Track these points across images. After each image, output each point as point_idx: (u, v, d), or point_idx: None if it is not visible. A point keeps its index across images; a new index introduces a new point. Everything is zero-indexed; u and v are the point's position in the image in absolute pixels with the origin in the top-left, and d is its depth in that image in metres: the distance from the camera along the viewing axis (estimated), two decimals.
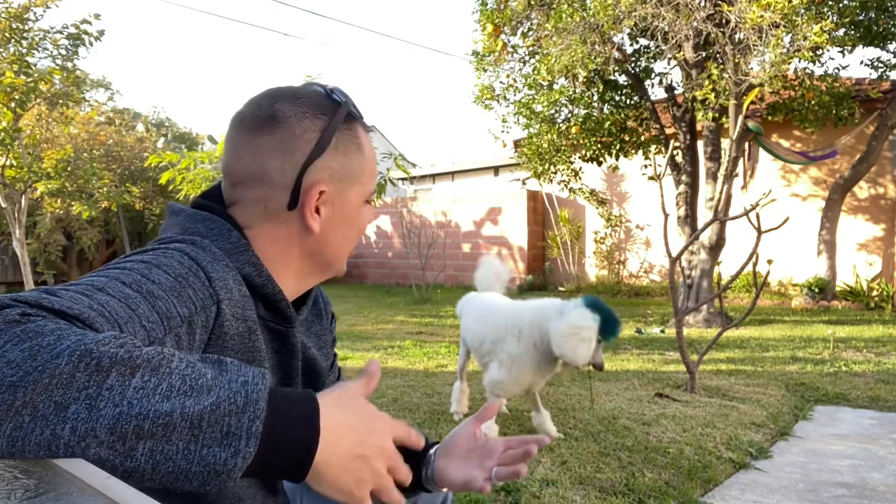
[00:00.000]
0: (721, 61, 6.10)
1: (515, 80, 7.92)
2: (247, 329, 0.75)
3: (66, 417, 0.46)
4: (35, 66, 7.16)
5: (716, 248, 6.82)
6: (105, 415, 0.46)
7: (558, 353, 2.42)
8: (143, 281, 0.63)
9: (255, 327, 0.76)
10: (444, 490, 0.94)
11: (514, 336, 2.62)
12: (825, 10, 6.08)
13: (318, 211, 0.81)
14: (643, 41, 7.42)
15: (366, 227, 0.90)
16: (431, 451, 0.94)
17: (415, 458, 0.90)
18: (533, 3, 6.93)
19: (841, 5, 6.40)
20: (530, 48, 7.56)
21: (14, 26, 6.95)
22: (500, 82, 8.04)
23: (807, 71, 6.46)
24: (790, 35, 5.50)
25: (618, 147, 7.96)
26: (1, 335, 0.48)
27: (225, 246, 0.76)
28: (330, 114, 0.80)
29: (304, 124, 0.79)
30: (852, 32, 6.73)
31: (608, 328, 2.41)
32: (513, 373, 2.62)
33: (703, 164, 7.01)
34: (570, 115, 8.04)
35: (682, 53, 6.35)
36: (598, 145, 7.95)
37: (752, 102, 6.21)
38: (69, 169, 8.62)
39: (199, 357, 0.54)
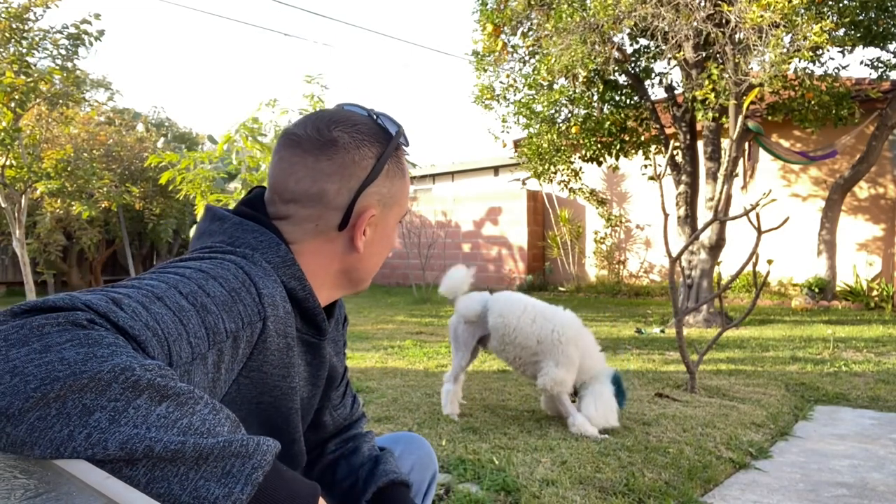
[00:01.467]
0: (721, 61, 6.10)
1: (515, 80, 7.93)
2: (286, 345, 0.77)
3: (87, 423, 0.47)
4: (35, 66, 7.16)
5: (716, 248, 6.82)
6: (122, 431, 0.48)
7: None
8: (199, 293, 0.65)
9: (293, 343, 0.79)
10: None
11: (565, 336, 2.88)
12: (825, 10, 6.08)
13: (364, 232, 0.86)
14: (643, 41, 7.42)
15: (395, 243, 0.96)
16: None
17: None
18: (533, 3, 6.93)
19: (841, 5, 6.40)
20: (530, 48, 7.56)
21: (14, 26, 6.94)
22: (500, 82, 8.05)
23: (807, 71, 6.46)
24: (790, 35, 5.50)
25: (618, 147, 7.96)
26: (65, 333, 0.51)
27: (273, 259, 0.79)
28: (384, 142, 0.86)
29: (362, 151, 0.84)
30: (852, 32, 6.74)
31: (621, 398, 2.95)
32: (571, 371, 2.88)
33: (703, 164, 7.02)
34: (570, 115, 8.05)
35: (682, 53, 6.35)
36: (598, 145, 7.95)
37: (752, 102, 6.21)
38: (69, 169, 8.63)
39: (223, 408, 0.56)
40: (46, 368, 0.48)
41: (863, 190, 8.74)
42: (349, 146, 0.83)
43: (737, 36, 5.86)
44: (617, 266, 10.84)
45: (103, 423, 0.47)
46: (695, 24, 5.91)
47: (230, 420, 0.55)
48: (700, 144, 7.10)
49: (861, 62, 9.78)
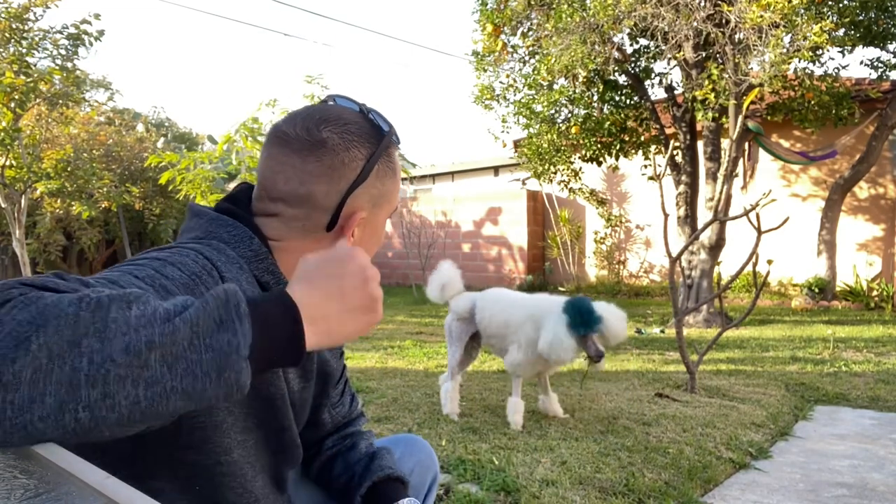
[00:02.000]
0: (721, 61, 6.10)
1: (515, 80, 7.93)
2: None
3: (80, 352, 0.49)
4: (35, 66, 7.16)
5: (716, 248, 6.82)
6: (116, 342, 0.50)
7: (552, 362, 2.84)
8: (157, 276, 0.66)
9: None
10: None
11: (533, 323, 2.88)
12: (825, 10, 6.08)
13: (352, 233, 0.86)
14: (643, 41, 7.42)
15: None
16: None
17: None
18: (533, 3, 6.93)
19: (841, 5, 6.40)
20: (530, 48, 7.56)
21: (14, 26, 6.94)
22: (500, 82, 8.05)
23: (807, 71, 6.46)
24: (790, 35, 5.50)
25: (618, 147, 7.96)
26: (4, 305, 0.50)
27: (246, 253, 0.79)
28: (375, 142, 0.85)
29: (351, 153, 0.82)
30: (852, 32, 6.74)
31: (583, 323, 2.66)
32: (528, 355, 2.89)
33: (703, 164, 7.02)
34: (570, 115, 8.04)
35: (682, 53, 6.35)
36: (598, 145, 7.95)
37: (752, 102, 6.21)
38: (69, 169, 8.62)
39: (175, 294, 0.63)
40: (11, 335, 0.48)
41: (863, 190, 8.74)
42: (338, 147, 0.82)
43: (737, 36, 5.86)
44: (617, 266, 10.84)
45: (95, 344, 0.49)
46: (695, 24, 5.91)
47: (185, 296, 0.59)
48: (700, 144, 7.10)
49: (861, 62, 9.78)
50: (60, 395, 0.47)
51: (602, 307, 2.71)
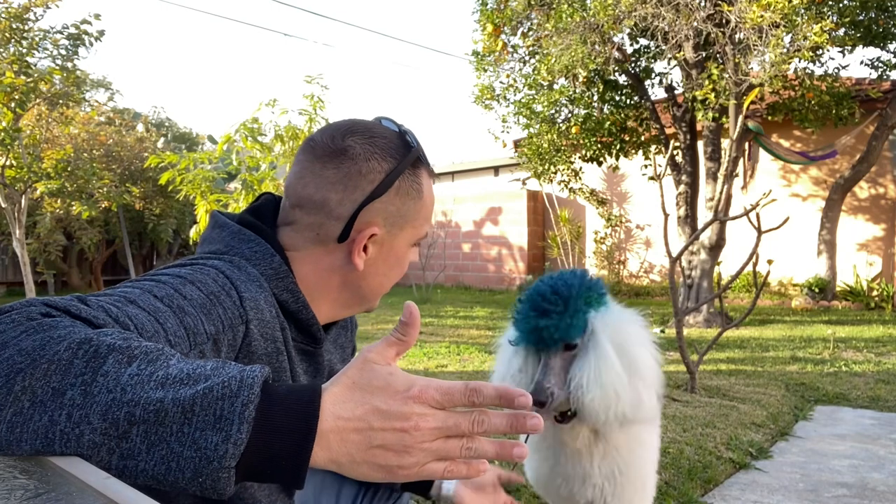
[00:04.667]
0: (721, 61, 6.10)
1: (515, 80, 7.93)
2: (275, 350, 0.76)
3: (62, 403, 0.47)
4: (35, 66, 7.16)
5: (716, 248, 6.82)
6: (99, 401, 0.47)
7: None
8: (175, 295, 0.64)
9: (283, 348, 0.78)
10: None
11: None
12: (825, 10, 6.08)
13: (364, 249, 0.83)
14: (643, 41, 7.41)
15: (407, 267, 0.91)
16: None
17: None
18: (533, 3, 6.93)
19: (841, 5, 6.40)
20: (530, 48, 7.56)
21: (14, 26, 6.94)
22: (500, 82, 8.05)
23: (807, 71, 6.46)
24: (790, 35, 5.50)
25: (618, 147, 7.96)
26: (20, 327, 0.50)
27: (266, 271, 0.78)
28: (398, 158, 0.82)
29: (370, 164, 0.81)
30: (852, 32, 6.73)
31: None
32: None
33: (703, 164, 7.01)
34: (570, 115, 8.04)
35: (682, 53, 6.35)
36: (598, 145, 7.95)
37: (753, 102, 6.21)
38: (69, 169, 8.61)
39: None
40: (7, 364, 0.47)
41: (863, 190, 8.73)
42: (358, 157, 0.81)
43: (737, 36, 5.86)
44: (617, 266, 10.84)
45: (77, 398, 0.47)
46: (695, 24, 5.91)
47: (213, 361, 0.53)
48: (700, 144, 7.10)
49: (861, 62, 9.78)
50: (35, 446, 0.46)
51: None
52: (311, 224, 0.82)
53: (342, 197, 0.81)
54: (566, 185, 8.80)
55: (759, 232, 3.58)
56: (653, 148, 7.89)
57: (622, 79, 7.66)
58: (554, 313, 1.14)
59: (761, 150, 8.54)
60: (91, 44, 7.46)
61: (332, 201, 0.81)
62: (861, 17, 6.67)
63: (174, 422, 0.47)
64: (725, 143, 6.70)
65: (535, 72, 7.40)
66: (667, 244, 3.90)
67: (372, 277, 0.86)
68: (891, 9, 6.63)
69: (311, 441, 0.50)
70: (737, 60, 5.81)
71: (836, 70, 6.97)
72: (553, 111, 7.96)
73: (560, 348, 1.18)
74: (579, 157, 8.31)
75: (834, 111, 6.80)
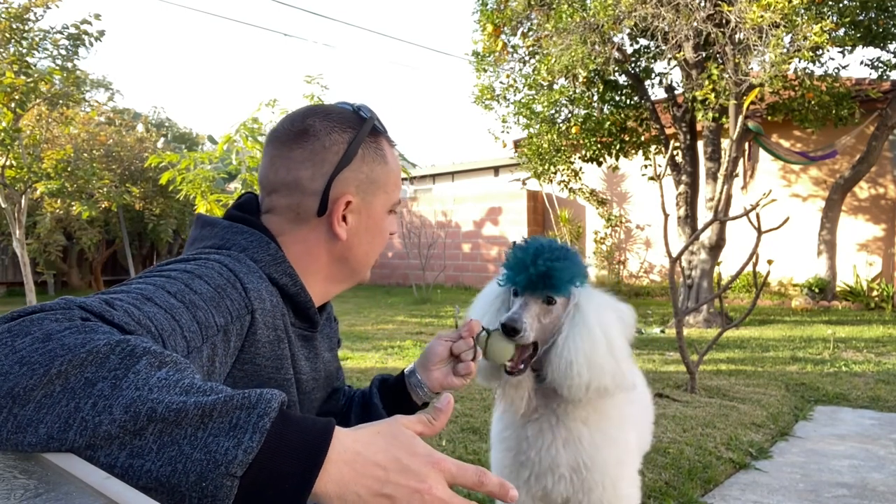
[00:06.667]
0: (721, 61, 6.10)
1: (515, 81, 7.93)
2: (276, 337, 0.80)
3: (91, 393, 0.49)
4: (35, 66, 7.16)
5: (716, 248, 6.82)
6: (126, 395, 0.49)
7: None
8: (186, 291, 0.68)
9: (283, 336, 0.82)
10: (438, 393, 1.03)
11: None
12: (825, 10, 6.08)
13: (345, 219, 0.88)
14: (643, 41, 7.42)
15: (389, 235, 0.96)
16: (408, 371, 1.05)
17: (400, 390, 1.04)
18: (533, 3, 6.93)
19: (841, 5, 6.40)
20: (530, 48, 7.56)
21: (14, 26, 6.94)
22: (500, 82, 8.05)
23: (807, 71, 6.46)
24: (790, 35, 5.50)
25: (618, 147, 7.96)
26: (64, 323, 0.53)
27: (264, 258, 0.82)
28: (356, 128, 0.88)
29: (332, 137, 0.86)
30: (852, 32, 6.73)
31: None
32: None
33: (703, 165, 7.01)
34: (570, 115, 8.04)
35: (682, 53, 6.35)
36: (598, 145, 7.95)
37: (752, 102, 6.21)
38: (69, 169, 8.61)
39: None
40: (49, 353, 0.50)
41: (863, 190, 8.74)
42: (320, 133, 0.86)
43: (737, 36, 5.86)
44: (617, 266, 10.83)
45: (106, 390, 0.49)
46: (695, 24, 5.91)
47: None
48: (700, 144, 7.10)
49: (861, 62, 9.78)
50: (52, 430, 0.47)
51: None
52: (290, 205, 0.86)
53: (312, 173, 0.85)
54: (566, 186, 8.80)
55: (759, 232, 3.58)
56: (653, 148, 7.89)
57: (622, 79, 7.66)
58: (559, 260, 1.20)
59: (761, 151, 8.54)
60: (91, 44, 7.46)
61: (304, 179, 0.85)
62: (861, 17, 6.68)
63: (190, 424, 0.48)
64: (725, 144, 6.70)
65: (535, 72, 7.41)
66: (667, 244, 3.90)
67: (357, 247, 0.91)
68: (891, 9, 6.63)
69: (318, 465, 0.50)
70: (737, 60, 5.81)
71: (836, 70, 6.97)
72: (553, 111, 7.96)
73: (542, 298, 1.22)
74: (579, 158, 8.31)
75: (834, 111, 6.80)
